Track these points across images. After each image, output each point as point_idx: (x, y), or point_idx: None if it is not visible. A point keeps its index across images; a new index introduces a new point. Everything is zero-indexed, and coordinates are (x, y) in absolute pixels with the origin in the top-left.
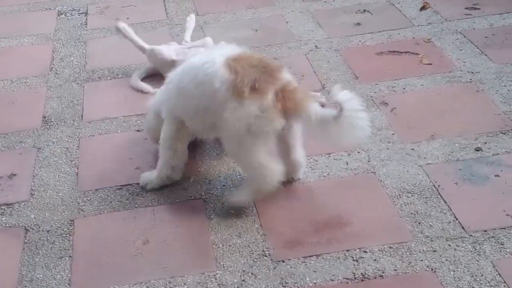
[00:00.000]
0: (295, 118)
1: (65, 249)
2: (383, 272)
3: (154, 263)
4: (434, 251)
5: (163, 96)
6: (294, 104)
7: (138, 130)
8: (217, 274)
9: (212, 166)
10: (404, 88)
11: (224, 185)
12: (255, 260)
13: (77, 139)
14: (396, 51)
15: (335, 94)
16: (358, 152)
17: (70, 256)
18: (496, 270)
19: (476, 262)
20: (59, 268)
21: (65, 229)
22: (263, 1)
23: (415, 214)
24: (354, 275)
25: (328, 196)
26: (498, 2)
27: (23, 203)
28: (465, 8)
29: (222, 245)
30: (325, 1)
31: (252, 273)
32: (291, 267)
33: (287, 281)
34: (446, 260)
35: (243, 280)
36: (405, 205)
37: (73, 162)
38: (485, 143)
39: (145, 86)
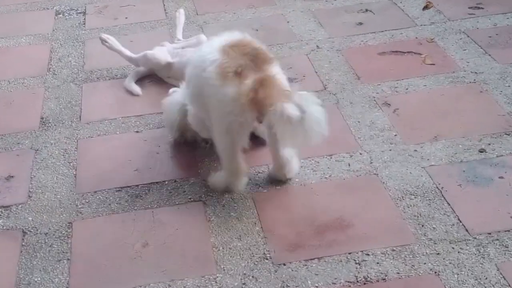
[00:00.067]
0: (264, 112)
1: (63, 252)
2: (386, 275)
3: (154, 266)
4: (438, 254)
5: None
6: (263, 98)
7: (137, 131)
8: (217, 277)
9: (212, 168)
10: (406, 89)
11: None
12: (256, 263)
13: (75, 141)
14: (398, 51)
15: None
16: (360, 154)
17: (68, 259)
18: (501, 273)
19: (480, 265)
20: (57, 271)
21: (63, 232)
22: (263, 0)
23: (418, 217)
24: (357, 278)
25: (330, 198)
26: (502, 2)
27: (20, 206)
28: (469, 8)
29: (223, 248)
30: (326, 1)
31: (253, 277)
32: (292, 270)
33: (288, 285)
34: (450, 263)
35: (243, 284)
36: (408, 207)
37: (71, 164)
38: (489, 144)
39: (135, 88)
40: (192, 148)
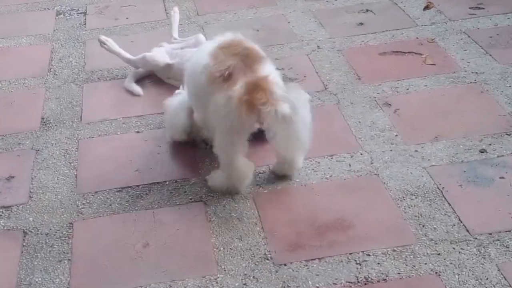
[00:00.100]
0: (260, 113)
1: (64, 253)
2: (387, 276)
3: (154, 267)
4: (439, 254)
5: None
6: (257, 100)
7: (138, 132)
8: (218, 277)
9: (212, 168)
10: (407, 89)
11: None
12: (257, 263)
13: (76, 141)
14: (399, 51)
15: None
16: (361, 154)
17: (69, 259)
18: (501, 274)
19: (481, 265)
20: (58, 272)
21: (64, 232)
22: (264, 0)
23: (419, 217)
24: (357, 279)
25: (331, 199)
26: (503, 2)
27: (21, 206)
28: (469, 8)
29: (223, 248)
30: (327, 1)
31: (253, 277)
32: (293, 271)
33: (289, 285)
34: (451, 263)
35: (244, 284)
36: (409, 207)
37: (72, 164)
38: (490, 144)
39: (136, 88)
40: (193, 149)
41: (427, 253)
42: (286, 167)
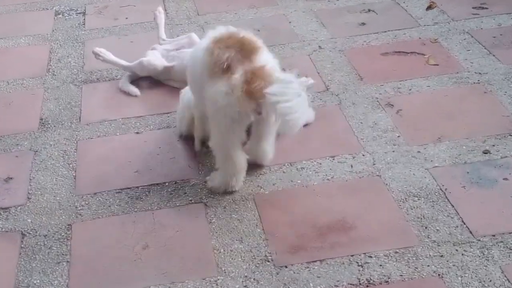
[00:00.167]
0: (260, 102)
1: (62, 254)
2: (389, 278)
3: (154, 269)
4: (441, 256)
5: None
6: (257, 89)
7: (137, 132)
8: (218, 279)
9: (212, 169)
10: (410, 89)
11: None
12: (257, 265)
13: (75, 142)
14: (401, 51)
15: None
16: (363, 155)
17: (68, 261)
18: (505, 276)
19: (484, 267)
20: (56, 274)
21: (62, 234)
22: (265, 0)
23: (421, 218)
24: (359, 281)
25: (332, 200)
26: (507, 1)
27: (19, 207)
28: (473, 8)
29: (224, 250)
30: (328, 1)
31: (254, 279)
32: (294, 273)
33: (290, 287)
34: (454, 265)
35: (245, 286)
36: (411, 209)
37: (71, 165)
38: (493, 145)
39: (132, 89)
40: (193, 149)
41: (430, 255)
42: (259, 160)
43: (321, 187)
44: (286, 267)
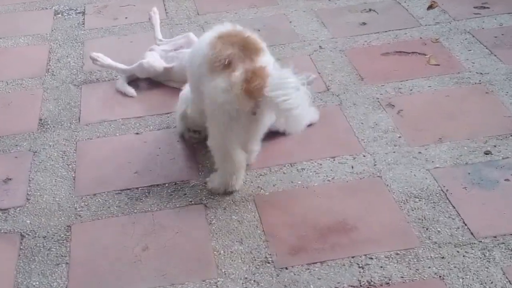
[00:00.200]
0: (258, 102)
1: (62, 256)
2: (390, 280)
3: (154, 270)
4: (442, 257)
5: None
6: (257, 89)
7: (137, 133)
8: (218, 281)
9: (212, 170)
10: (411, 90)
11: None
12: (258, 267)
13: (74, 142)
14: (402, 51)
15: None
16: (364, 156)
17: (67, 263)
18: (506, 277)
19: (486, 269)
20: (55, 276)
21: (62, 235)
22: (265, 0)
23: (422, 220)
24: (360, 283)
25: (333, 201)
26: (508, 1)
27: (18, 208)
28: (474, 7)
29: (224, 252)
30: (329, 0)
31: (254, 281)
32: (294, 275)
33: None
34: (455, 267)
35: None
36: (412, 210)
37: (70, 166)
38: (495, 146)
39: (129, 90)
40: (193, 150)
41: (431, 256)
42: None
43: (322, 188)
44: (286, 268)
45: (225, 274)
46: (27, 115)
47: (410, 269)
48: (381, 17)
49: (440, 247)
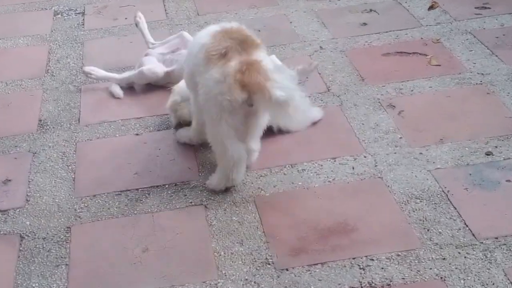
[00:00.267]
0: (252, 94)
1: (61, 257)
2: (391, 281)
3: (154, 272)
4: (444, 259)
5: None
6: (251, 81)
7: (137, 134)
8: (218, 283)
9: (213, 171)
10: (412, 90)
11: (225, 191)
12: (258, 268)
13: (74, 143)
14: (403, 52)
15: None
16: (365, 157)
17: (67, 264)
18: (508, 279)
19: (487, 270)
20: (55, 277)
21: (61, 237)
22: (266, 0)
23: (423, 221)
24: (361, 284)
25: (334, 202)
26: (509, 1)
27: (18, 210)
28: (475, 8)
29: (224, 253)
30: (330, 1)
31: (255, 282)
32: (295, 276)
33: None
34: (456, 268)
35: None
36: (413, 211)
37: (70, 167)
38: (496, 147)
39: (117, 91)
40: (193, 151)
41: (432, 257)
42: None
43: (322, 189)
44: (287, 270)
45: (225, 275)
46: (27, 116)
47: (411, 270)
48: (381, 17)
49: (441, 248)
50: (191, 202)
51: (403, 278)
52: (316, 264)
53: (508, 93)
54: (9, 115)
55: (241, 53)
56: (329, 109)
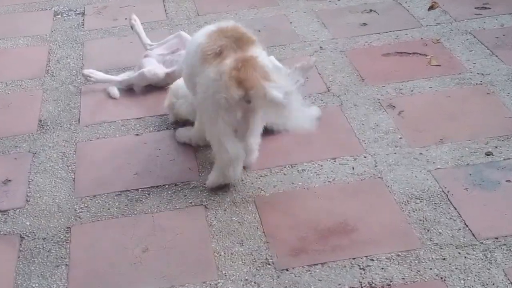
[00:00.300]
0: (248, 92)
1: (61, 258)
2: (391, 281)
3: (154, 272)
4: (444, 259)
5: None
6: (247, 77)
7: (137, 134)
8: (218, 283)
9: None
10: (412, 90)
11: (225, 191)
12: (258, 268)
13: (74, 144)
14: (403, 52)
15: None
16: (365, 157)
17: (67, 264)
18: (508, 279)
19: (487, 270)
20: (55, 277)
21: (61, 237)
22: (266, 0)
23: (423, 221)
24: (361, 284)
25: (334, 202)
26: (509, 1)
27: (18, 210)
28: (475, 8)
29: (224, 253)
30: (330, 1)
31: (255, 282)
32: (295, 276)
33: None
34: (456, 268)
35: None
36: (413, 211)
37: (70, 168)
38: (496, 147)
39: (114, 92)
40: (193, 151)
41: (432, 258)
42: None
43: (322, 189)
44: (287, 270)
45: (225, 275)
46: (27, 116)
47: (411, 270)
48: (381, 17)
49: (441, 248)
50: (191, 202)
51: (403, 278)
52: (316, 264)
53: (508, 93)
54: (9, 115)
55: (237, 51)
56: (329, 109)
